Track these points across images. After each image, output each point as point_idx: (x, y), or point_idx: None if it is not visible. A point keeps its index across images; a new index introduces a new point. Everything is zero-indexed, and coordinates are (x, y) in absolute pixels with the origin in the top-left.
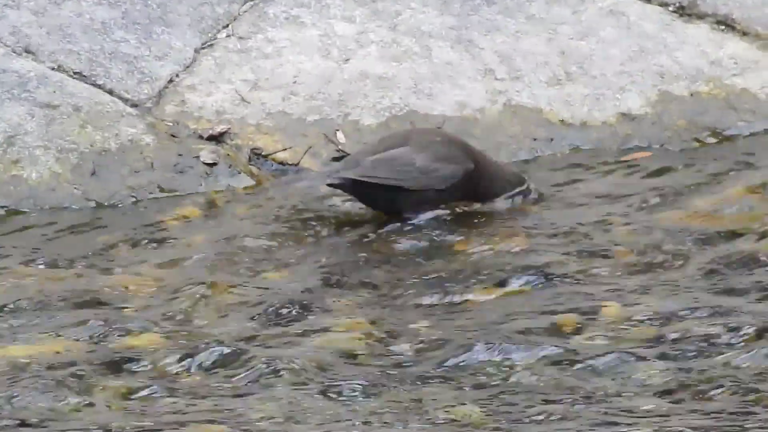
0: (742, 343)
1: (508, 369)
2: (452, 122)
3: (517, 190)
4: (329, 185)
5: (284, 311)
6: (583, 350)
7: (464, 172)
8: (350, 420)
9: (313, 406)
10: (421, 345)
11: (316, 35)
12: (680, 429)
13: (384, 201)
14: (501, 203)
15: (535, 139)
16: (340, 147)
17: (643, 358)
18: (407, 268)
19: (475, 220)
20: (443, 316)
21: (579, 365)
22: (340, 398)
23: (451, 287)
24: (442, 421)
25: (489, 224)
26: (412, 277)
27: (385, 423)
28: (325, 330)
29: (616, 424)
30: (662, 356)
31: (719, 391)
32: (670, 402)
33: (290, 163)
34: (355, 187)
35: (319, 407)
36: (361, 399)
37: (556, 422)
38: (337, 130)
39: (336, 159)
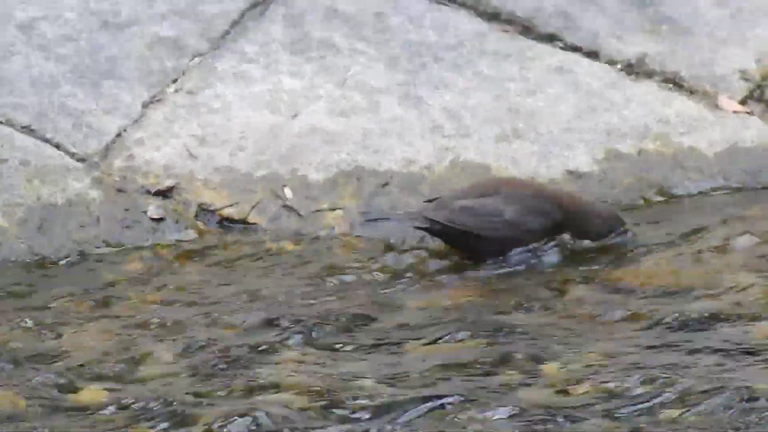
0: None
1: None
2: (399, 178)
3: (615, 231)
4: (416, 228)
5: (231, 366)
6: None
7: (551, 224)
8: None
9: None
10: (366, 403)
11: (265, 90)
12: None
13: (467, 246)
14: (595, 243)
15: None
16: (287, 203)
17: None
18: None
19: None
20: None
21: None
22: None
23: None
24: None
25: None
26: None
27: None
28: (274, 386)
29: None
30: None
31: None
32: None
33: (237, 218)
34: (440, 230)
35: None
36: None
37: None
38: (285, 185)
39: (429, 201)
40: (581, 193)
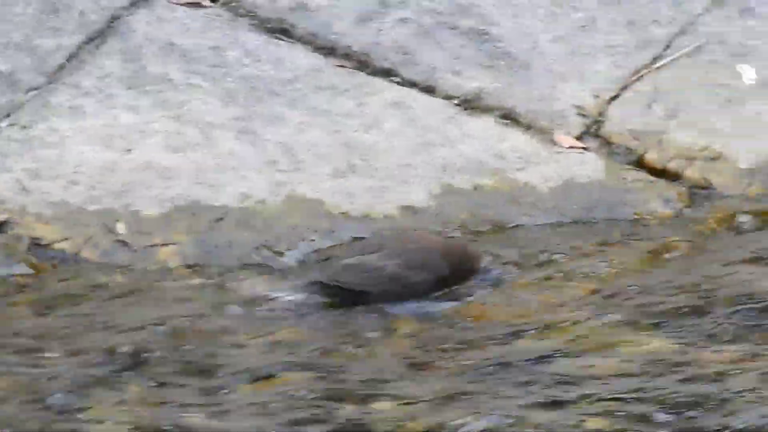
0: None
1: None
2: (234, 213)
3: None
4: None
5: (60, 401)
6: None
7: (435, 280)
8: None
9: None
10: None
11: (100, 125)
12: None
13: (357, 302)
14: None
15: (315, 231)
16: (120, 237)
17: None
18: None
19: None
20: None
21: None
22: None
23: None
24: None
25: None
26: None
27: None
28: (99, 422)
29: None
30: None
31: None
32: None
33: (69, 252)
34: (326, 290)
35: None
36: None
37: None
38: (118, 220)
39: (324, 260)
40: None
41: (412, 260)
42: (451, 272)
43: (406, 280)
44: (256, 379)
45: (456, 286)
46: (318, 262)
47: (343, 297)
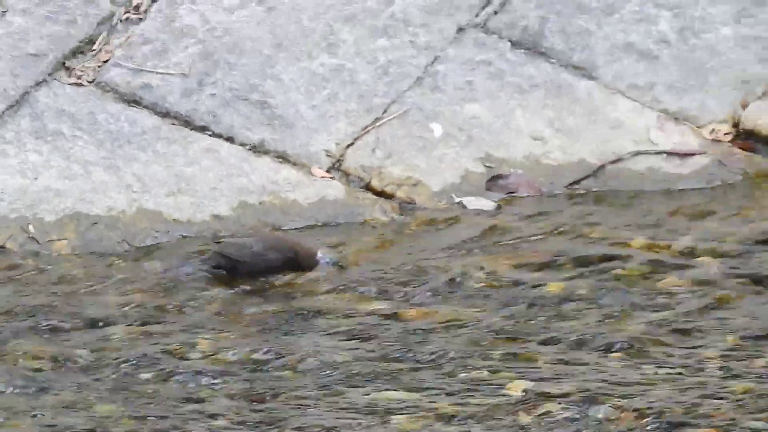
0: None
1: None
2: (104, 220)
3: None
4: (209, 263)
5: None
6: None
7: (284, 259)
8: None
9: None
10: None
11: (17, 162)
12: None
13: (234, 270)
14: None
15: (157, 231)
16: (31, 235)
17: None
18: None
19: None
20: None
21: None
22: None
23: None
24: None
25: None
26: None
27: None
28: None
29: None
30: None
31: None
32: None
33: None
34: (216, 258)
35: None
36: None
37: None
38: (29, 224)
39: (217, 241)
40: (307, 241)
41: (271, 245)
42: (296, 257)
43: (264, 257)
44: (94, 326)
45: (302, 270)
46: (216, 241)
47: (225, 265)
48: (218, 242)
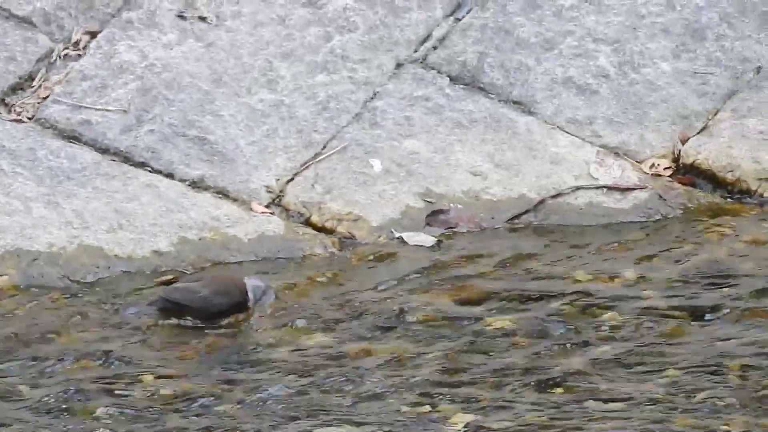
0: None
1: None
2: (45, 256)
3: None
4: (157, 306)
5: None
6: None
7: (232, 303)
8: None
9: None
10: None
11: None
12: None
13: (181, 314)
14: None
15: (98, 267)
16: None
17: None
18: None
19: None
20: None
21: None
22: None
23: None
24: None
25: None
26: None
27: None
28: None
29: None
30: None
31: None
32: None
33: None
34: (165, 306)
35: None
36: None
37: None
38: None
39: (165, 283)
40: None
41: (218, 289)
42: (244, 300)
43: (213, 301)
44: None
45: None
46: (164, 283)
47: (172, 309)
48: (167, 283)
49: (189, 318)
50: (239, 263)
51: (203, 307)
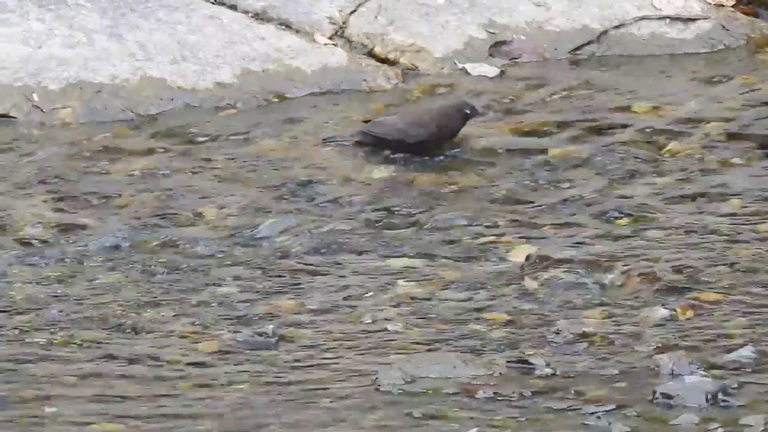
0: None
1: None
2: (108, 88)
3: (467, 119)
4: (357, 140)
5: None
6: None
7: (428, 134)
8: None
9: None
10: None
11: (20, 30)
12: None
13: (382, 145)
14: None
15: (161, 99)
16: (35, 103)
17: None
18: None
19: None
20: None
21: None
22: None
23: None
24: None
25: None
26: None
27: None
28: None
29: None
30: None
31: None
32: None
33: (2, 113)
34: (365, 137)
35: None
36: None
37: None
38: (33, 92)
39: (365, 121)
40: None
41: (414, 120)
42: (439, 130)
43: (408, 133)
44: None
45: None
46: (364, 121)
47: (376, 142)
48: (365, 122)
49: (388, 150)
50: (299, 97)
51: (399, 138)
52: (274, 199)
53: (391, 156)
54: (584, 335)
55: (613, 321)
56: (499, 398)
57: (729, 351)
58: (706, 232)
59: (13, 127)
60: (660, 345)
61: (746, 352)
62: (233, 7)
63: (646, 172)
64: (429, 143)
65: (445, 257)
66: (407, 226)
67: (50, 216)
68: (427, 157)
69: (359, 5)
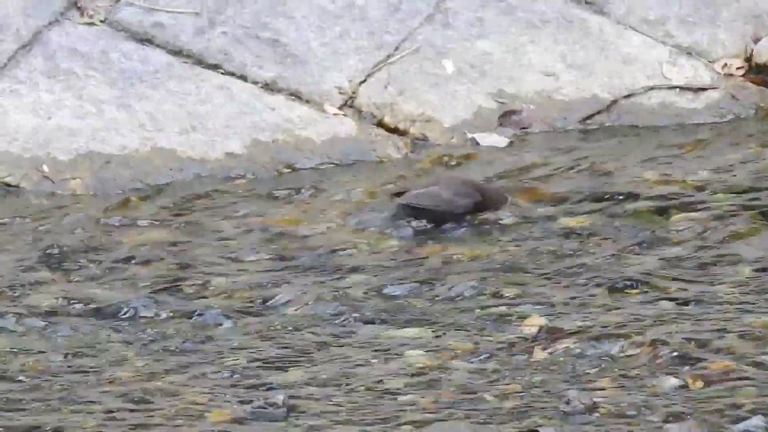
0: None
1: None
2: (117, 159)
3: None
4: (402, 210)
5: None
6: None
7: (473, 203)
8: None
9: None
10: None
11: (30, 102)
12: None
13: (424, 217)
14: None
15: (171, 169)
16: (45, 174)
17: None
18: None
19: None
20: None
21: None
22: None
23: None
24: None
25: None
26: None
27: None
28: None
29: None
30: None
31: None
32: None
33: (12, 184)
34: (406, 210)
35: None
36: None
37: None
38: (43, 163)
39: (398, 194)
40: (489, 184)
41: (458, 190)
42: (482, 201)
43: (455, 203)
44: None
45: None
46: (395, 194)
47: (418, 213)
48: (398, 194)
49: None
50: (309, 168)
51: (448, 209)
52: (287, 270)
53: (412, 226)
54: (595, 405)
55: (624, 391)
56: None
57: (739, 421)
58: (716, 302)
59: (24, 197)
60: (670, 415)
61: (757, 422)
62: (243, 78)
63: (657, 242)
64: (472, 213)
65: (456, 327)
66: (418, 296)
67: (60, 287)
68: (442, 227)
69: (368, 75)
